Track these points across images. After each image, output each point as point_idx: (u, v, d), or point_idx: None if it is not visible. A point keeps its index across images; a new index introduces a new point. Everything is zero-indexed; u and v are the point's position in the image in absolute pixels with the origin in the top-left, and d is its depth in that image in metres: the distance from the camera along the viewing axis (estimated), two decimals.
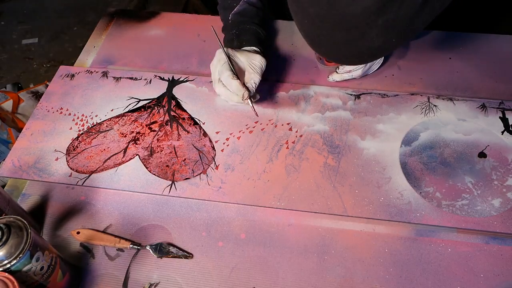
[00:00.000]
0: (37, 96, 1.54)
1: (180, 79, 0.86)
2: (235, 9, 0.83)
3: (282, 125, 0.77)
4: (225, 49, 0.71)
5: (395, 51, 0.86)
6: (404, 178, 0.69)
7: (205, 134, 0.77)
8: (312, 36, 0.57)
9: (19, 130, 1.42)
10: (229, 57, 0.72)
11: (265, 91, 0.82)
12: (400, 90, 0.82)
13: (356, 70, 0.80)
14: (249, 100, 0.71)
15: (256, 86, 0.73)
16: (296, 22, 0.58)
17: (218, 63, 0.72)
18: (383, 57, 0.82)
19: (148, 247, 0.64)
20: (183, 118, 0.80)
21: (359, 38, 0.51)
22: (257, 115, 0.75)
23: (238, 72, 0.72)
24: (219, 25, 0.97)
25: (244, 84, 0.71)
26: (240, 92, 0.70)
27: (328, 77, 0.83)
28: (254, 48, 0.78)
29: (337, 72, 0.82)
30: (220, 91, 0.73)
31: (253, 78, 0.72)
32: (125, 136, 0.78)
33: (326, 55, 0.63)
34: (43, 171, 0.74)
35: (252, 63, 0.73)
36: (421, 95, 0.80)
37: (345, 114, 0.78)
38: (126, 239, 0.65)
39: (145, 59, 0.92)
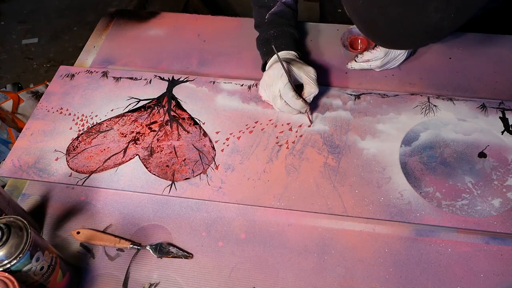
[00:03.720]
0: (37, 96, 1.54)
1: (180, 79, 0.86)
2: (272, 9, 0.83)
3: (282, 125, 0.77)
4: (284, 65, 0.71)
5: (445, 37, 0.86)
6: (404, 178, 0.69)
7: (205, 134, 0.77)
8: (366, 16, 0.56)
9: (19, 130, 1.42)
10: (289, 74, 0.72)
11: None
12: (400, 90, 0.82)
13: (374, 61, 0.81)
14: (308, 112, 0.76)
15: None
16: (348, 6, 0.57)
17: (279, 79, 0.72)
18: (405, 56, 0.82)
19: (148, 247, 0.64)
20: (183, 118, 0.80)
21: (416, 13, 0.50)
22: (311, 122, 0.77)
23: (294, 82, 0.74)
24: (219, 25, 0.98)
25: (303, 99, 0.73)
26: (304, 109, 0.74)
27: (347, 64, 0.84)
28: (293, 52, 0.79)
29: (356, 60, 0.82)
30: (282, 108, 0.74)
31: (313, 92, 0.74)
32: (125, 136, 0.78)
33: (379, 38, 0.61)
34: (43, 171, 0.74)
35: (309, 76, 0.74)
36: (421, 95, 0.79)
37: (345, 114, 0.78)
38: (126, 239, 0.65)
39: (145, 59, 0.92)
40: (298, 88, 0.74)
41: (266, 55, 0.81)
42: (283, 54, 0.78)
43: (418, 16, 0.51)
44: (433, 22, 0.52)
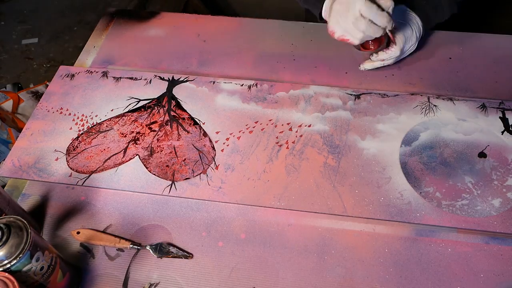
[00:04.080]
0: (37, 96, 1.54)
1: (180, 79, 0.86)
2: None
3: (282, 125, 0.77)
4: None
5: None
6: (404, 178, 0.69)
7: (205, 134, 0.77)
8: None
9: (19, 130, 1.42)
10: None
11: (265, 91, 0.82)
12: (400, 90, 0.82)
13: (389, 59, 0.80)
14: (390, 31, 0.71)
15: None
16: None
17: (356, 1, 0.67)
18: (415, 46, 0.81)
19: (148, 247, 0.64)
20: (183, 118, 0.80)
21: None
22: (395, 42, 0.74)
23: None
24: (219, 25, 0.98)
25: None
26: (390, 22, 0.68)
27: (360, 66, 0.84)
28: None
29: (371, 58, 0.81)
30: (368, 29, 0.69)
31: (390, 6, 0.69)
32: (125, 136, 0.78)
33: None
34: (43, 171, 0.74)
35: None
36: (421, 95, 0.79)
37: (345, 114, 0.78)
38: (126, 239, 0.65)
39: (145, 59, 0.92)
40: None
41: (317, 3, 0.76)
42: None
43: None
44: None
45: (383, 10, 0.68)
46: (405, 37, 0.78)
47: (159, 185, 0.71)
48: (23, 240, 0.49)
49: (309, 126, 0.77)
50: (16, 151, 0.77)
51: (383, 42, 0.80)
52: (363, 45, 0.83)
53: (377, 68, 0.84)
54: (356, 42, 0.73)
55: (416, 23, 0.79)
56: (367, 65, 0.83)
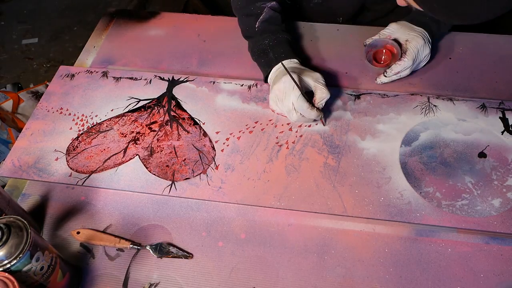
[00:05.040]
0: (37, 96, 1.54)
1: (180, 79, 0.86)
2: (261, 17, 0.81)
3: (282, 125, 0.77)
4: (293, 77, 0.71)
5: None
6: (404, 178, 0.69)
7: (205, 134, 0.77)
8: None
9: (19, 130, 1.42)
10: (298, 85, 0.71)
11: (265, 91, 0.82)
12: (400, 90, 0.82)
13: (404, 71, 0.79)
14: (322, 118, 0.75)
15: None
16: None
17: (291, 92, 0.71)
18: (429, 56, 0.81)
19: (148, 247, 0.64)
20: (183, 118, 0.80)
21: None
22: (325, 125, 0.77)
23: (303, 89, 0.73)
24: (219, 25, 0.98)
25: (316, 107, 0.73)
26: (319, 116, 0.73)
27: (376, 80, 0.82)
28: (295, 60, 0.78)
29: (385, 75, 0.80)
30: (298, 120, 0.74)
31: (324, 97, 0.73)
32: (125, 136, 0.78)
33: (461, 15, 0.58)
34: (43, 171, 0.74)
35: (319, 82, 0.73)
36: (421, 95, 0.79)
37: (345, 114, 0.78)
38: (126, 239, 0.65)
39: (145, 59, 0.92)
40: (308, 95, 0.74)
41: (266, 66, 0.79)
42: (285, 63, 0.77)
43: None
44: None
45: (313, 107, 0.72)
46: (418, 48, 0.77)
47: (159, 185, 0.71)
48: (23, 240, 0.49)
49: (309, 126, 0.77)
50: (16, 151, 0.77)
51: (397, 56, 0.79)
52: (376, 60, 0.83)
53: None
54: (293, 122, 0.76)
55: (426, 35, 0.79)
56: (384, 79, 0.81)
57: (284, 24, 0.84)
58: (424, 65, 0.83)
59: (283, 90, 0.73)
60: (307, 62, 0.88)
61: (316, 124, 0.77)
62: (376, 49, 0.83)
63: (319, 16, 0.97)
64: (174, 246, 0.65)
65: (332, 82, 0.85)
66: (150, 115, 0.81)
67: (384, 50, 0.82)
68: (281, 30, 0.83)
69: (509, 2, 0.52)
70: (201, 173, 0.72)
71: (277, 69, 0.77)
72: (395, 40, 0.80)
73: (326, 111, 0.78)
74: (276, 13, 0.83)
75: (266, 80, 0.80)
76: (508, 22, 0.93)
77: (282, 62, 0.76)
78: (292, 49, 0.81)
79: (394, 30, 0.81)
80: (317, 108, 0.72)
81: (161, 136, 0.77)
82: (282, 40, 0.81)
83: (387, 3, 0.96)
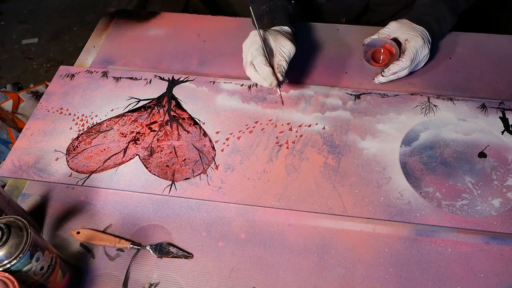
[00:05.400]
0: (37, 96, 1.54)
1: (180, 79, 0.86)
2: None
3: (282, 125, 0.77)
4: (260, 31, 0.69)
5: None
6: (404, 178, 0.69)
7: (205, 134, 0.77)
8: None
9: (19, 130, 1.42)
10: (263, 39, 0.70)
11: (265, 91, 0.82)
12: (400, 90, 0.82)
13: (402, 71, 0.79)
14: (278, 88, 0.72)
15: (284, 72, 0.72)
16: None
17: (252, 45, 0.70)
18: (428, 56, 0.80)
19: (148, 247, 0.64)
20: (183, 118, 0.80)
21: None
22: (282, 103, 0.74)
23: (270, 54, 0.71)
24: (219, 25, 0.98)
25: (274, 71, 0.70)
26: (270, 79, 0.69)
27: (374, 79, 0.82)
28: (286, 28, 0.77)
29: (382, 75, 0.80)
30: (251, 74, 0.71)
31: (282, 65, 0.71)
32: (125, 136, 0.78)
33: None
34: (43, 171, 0.74)
35: (282, 49, 0.71)
36: (421, 95, 0.79)
37: (345, 114, 0.78)
38: (126, 239, 0.65)
39: (145, 59, 0.92)
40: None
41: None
42: (275, 29, 0.76)
43: None
44: None
45: (268, 65, 0.69)
46: (417, 48, 0.77)
47: (159, 185, 0.71)
48: (23, 240, 0.49)
49: (309, 126, 0.77)
50: (16, 151, 0.77)
51: (395, 55, 0.79)
52: (374, 59, 0.83)
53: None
54: (251, 79, 0.73)
55: (425, 35, 0.78)
56: (381, 79, 0.81)
57: None
58: (423, 65, 0.83)
59: (247, 43, 0.72)
60: (307, 62, 0.88)
61: (282, 104, 0.75)
62: (374, 48, 0.83)
63: (323, 14, 0.97)
64: (174, 246, 0.65)
65: (332, 82, 0.85)
66: (150, 115, 0.81)
67: (382, 50, 0.82)
68: None
69: None
70: (201, 173, 0.72)
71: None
72: (395, 40, 0.80)
73: (325, 111, 0.78)
74: None
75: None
76: (508, 22, 0.93)
77: (270, 26, 0.74)
78: (287, 17, 0.80)
79: (394, 29, 0.81)
80: (272, 70, 0.69)
81: (161, 136, 0.77)
82: (279, 7, 0.80)
83: (391, 5, 0.96)
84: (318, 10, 0.97)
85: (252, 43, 0.71)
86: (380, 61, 0.82)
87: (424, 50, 0.79)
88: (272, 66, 0.71)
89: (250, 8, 0.73)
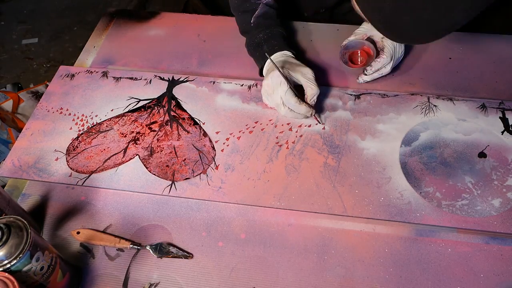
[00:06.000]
0: (37, 96, 1.54)
1: (180, 79, 0.86)
2: (256, 12, 0.82)
3: (282, 125, 0.77)
4: (281, 72, 0.71)
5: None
6: (404, 178, 0.69)
7: (205, 134, 0.77)
8: (395, 21, 0.56)
9: (19, 130, 1.42)
10: (287, 79, 0.72)
11: None
12: (400, 90, 0.82)
13: (383, 68, 0.79)
14: (316, 115, 0.75)
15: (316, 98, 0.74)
16: (371, 14, 0.58)
17: (279, 87, 0.73)
18: (403, 48, 0.81)
19: (148, 247, 0.64)
20: (183, 118, 0.80)
21: (444, 14, 0.52)
22: (321, 123, 0.77)
23: (294, 87, 0.73)
24: (219, 25, 0.98)
25: (307, 102, 0.73)
26: (309, 112, 0.73)
27: (358, 79, 0.83)
28: (289, 52, 0.79)
29: (365, 74, 0.81)
30: (287, 114, 0.74)
31: (314, 94, 0.73)
32: (125, 136, 0.78)
33: (402, 38, 0.63)
34: (43, 171, 0.74)
35: (308, 77, 0.73)
36: (421, 95, 0.79)
37: (345, 114, 0.78)
38: (126, 239, 0.65)
39: (145, 59, 0.92)
40: (300, 90, 0.74)
41: (260, 59, 0.80)
42: (277, 56, 0.78)
43: (444, 17, 0.53)
44: (456, 21, 0.55)
45: (302, 101, 0.72)
46: (394, 44, 0.78)
47: (159, 185, 0.71)
48: (23, 240, 0.49)
49: (309, 126, 0.77)
50: (16, 151, 0.77)
51: (372, 55, 0.80)
52: (352, 61, 0.83)
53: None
54: (284, 117, 0.77)
55: None
56: (365, 78, 0.82)
57: (279, 20, 0.85)
58: (409, 54, 0.83)
59: (271, 85, 0.74)
60: (307, 62, 0.88)
61: (316, 124, 0.77)
62: (352, 50, 0.83)
63: (305, 3, 0.98)
64: (174, 246, 0.65)
65: (332, 82, 0.85)
66: (150, 115, 0.81)
67: (359, 52, 0.82)
68: (276, 24, 0.83)
69: (442, 27, 0.57)
70: (201, 173, 0.72)
71: (270, 62, 0.77)
72: (371, 39, 0.81)
73: (325, 111, 0.79)
74: (271, 8, 0.84)
75: (261, 74, 0.81)
76: (509, 23, 0.93)
77: (271, 56, 0.76)
78: (285, 42, 0.81)
79: (369, 28, 0.81)
80: (307, 104, 0.73)
81: (161, 136, 0.77)
82: (276, 34, 0.81)
83: None
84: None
85: (276, 84, 0.73)
86: (358, 62, 0.83)
87: (401, 46, 0.80)
88: (302, 97, 0.73)
89: (266, 54, 0.76)
